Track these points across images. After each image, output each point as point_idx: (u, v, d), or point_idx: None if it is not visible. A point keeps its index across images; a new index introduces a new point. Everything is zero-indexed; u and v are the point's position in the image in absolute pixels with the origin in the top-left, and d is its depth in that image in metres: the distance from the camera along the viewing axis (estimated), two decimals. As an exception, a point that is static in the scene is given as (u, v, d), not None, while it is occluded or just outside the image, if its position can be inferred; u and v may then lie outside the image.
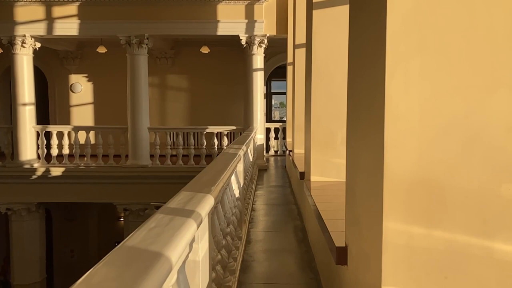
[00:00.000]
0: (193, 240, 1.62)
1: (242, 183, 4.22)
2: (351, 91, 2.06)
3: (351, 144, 2.08)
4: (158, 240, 1.22)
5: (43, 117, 11.48)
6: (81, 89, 11.89)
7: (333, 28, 4.07)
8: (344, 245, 2.12)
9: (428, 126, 1.46)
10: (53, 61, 11.72)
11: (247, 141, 5.01)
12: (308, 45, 4.43)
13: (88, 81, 11.88)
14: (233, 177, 3.73)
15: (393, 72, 1.46)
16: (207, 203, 1.77)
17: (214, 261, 2.21)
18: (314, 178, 3.97)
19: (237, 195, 3.74)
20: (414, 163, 1.47)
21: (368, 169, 1.72)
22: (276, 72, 12.54)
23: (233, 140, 9.59)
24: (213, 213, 2.23)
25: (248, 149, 5.99)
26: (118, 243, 1.44)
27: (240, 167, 4.14)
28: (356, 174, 1.95)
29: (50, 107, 11.95)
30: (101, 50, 10.35)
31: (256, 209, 5.60)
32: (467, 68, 1.41)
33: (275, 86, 13.76)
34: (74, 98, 11.91)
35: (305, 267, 3.47)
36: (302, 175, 4.54)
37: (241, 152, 3.87)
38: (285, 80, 9.89)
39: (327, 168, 3.96)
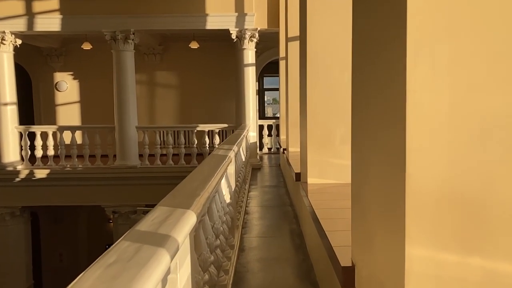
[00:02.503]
0: (168, 272, 1.31)
1: (234, 186, 3.90)
2: (357, 83, 1.76)
3: (358, 147, 1.77)
4: (113, 286, 0.91)
5: (28, 117, 11.08)
6: (67, 87, 11.48)
7: (330, 17, 3.77)
8: (350, 265, 1.82)
9: (462, 127, 1.16)
10: (37, 58, 11.28)
11: (238, 140, 4.69)
12: (302, 37, 4.12)
13: (74, 79, 11.47)
14: (223, 181, 3.42)
15: (415, 60, 1.15)
16: (187, 223, 1.46)
17: (200, 285, 1.90)
18: (311, 180, 3.67)
19: (228, 200, 3.42)
20: (443, 172, 1.17)
21: (382, 178, 1.42)
22: (268, 68, 12.22)
23: (225, 138, 9.27)
24: (197, 229, 1.92)
25: (241, 149, 5.67)
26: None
27: (231, 169, 3.82)
28: (365, 183, 1.65)
29: (34, 107, 11.52)
30: (86, 46, 9.95)
31: (250, 212, 5.31)
32: (513, 52, 1.11)
33: (268, 82, 13.45)
34: (60, 97, 11.49)
35: (303, 279, 3.18)
36: (298, 176, 4.24)
37: (231, 154, 3.55)
38: (278, 76, 9.59)
39: (325, 169, 3.67)
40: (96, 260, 1.11)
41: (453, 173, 1.17)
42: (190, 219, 1.50)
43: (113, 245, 1.22)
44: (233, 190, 3.84)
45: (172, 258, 1.18)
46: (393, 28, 1.24)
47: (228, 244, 3.31)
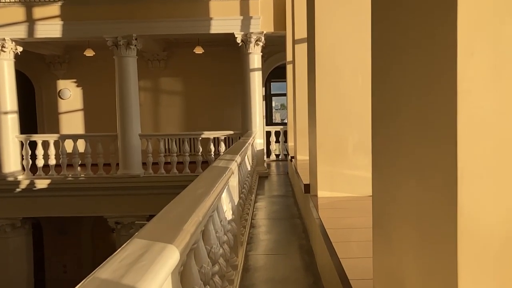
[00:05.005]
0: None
1: (237, 200, 3.58)
2: (380, 83, 1.42)
3: (381, 161, 1.44)
4: None
5: (31, 125, 10.89)
6: (70, 95, 11.28)
7: (339, 15, 3.45)
8: (373, 307, 1.48)
9: (539, 140, 0.82)
10: (40, 66, 11.11)
11: (242, 149, 4.38)
12: (310, 38, 3.81)
13: (77, 86, 11.26)
14: (224, 195, 3.10)
15: (470, 47, 0.82)
16: (165, 264, 1.14)
17: (190, 330, 1.58)
18: (321, 193, 3.34)
19: (230, 217, 3.10)
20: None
21: (418, 205, 1.08)
22: (276, 73, 11.92)
23: (231, 145, 8.97)
24: (186, 262, 1.60)
25: (246, 157, 5.35)
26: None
27: (234, 182, 3.50)
28: (392, 207, 1.32)
29: (38, 115, 11.33)
30: (89, 53, 9.74)
31: (256, 225, 4.97)
32: None
33: (275, 87, 13.14)
34: (63, 105, 11.29)
35: (314, 305, 2.83)
36: (307, 188, 3.91)
37: (233, 165, 3.23)
38: (285, 81, 9.28)
39: (337, 181, 3.33)
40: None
41: (526, 206, 0.83)
42: (170, 258, 1.18)
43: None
44: (236, 204, 3.51)
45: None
46: (435, 6, 0.91)
47: (230, 265, 2.98)
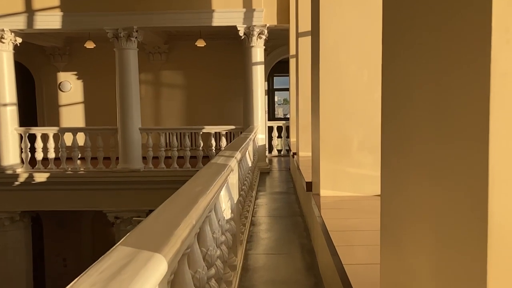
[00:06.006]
0: None
1: (236, 198, 3.46)
2: (392, 68, 1.29)
3: (391, 162, 1.31)
4: None
5: (31, 118, 10.80)
6: (71, 87, 11.16)
7: (345, 7, 3.31)
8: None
9: None
10: (40, 58, 10.99)
11: (243, 145, 4.25)
12: (314, 31, 3.68)
13: (78, 79, 11.14)
14: (223, 192, 2.98)
15: (506, 31, 0.69)
16: (150, 277, 1.02)
17: None
18: (324, 192, 3.21)
19: (228, 216, 2.98)
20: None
21: (436, 211, 0.96)
22: (278, 67, 11.76)
23: (233, 140, 8.85)
24: (177, 269, 1.48)
25: (247, 153, 5.23)
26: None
27: (233, 179, 3.38)
28: (405, 214, 1.19)
29: (38, 108, 11.23)
30: (89, 45, 9.60)
31: (257, 223, 4.86)
32: None
33: (278, 82, 13.00)
34: (63, 98, 11.18)
35: (315, 309, 2.72)
36: (309, 186, 3.79)
37: (233, 162, 3.11)
38: (288, 75, 9.14)
39: (341, 180, 3.21)
40: None
41: None
42: (156, 270, 1.06)
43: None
44: (235, 202, 3.40)
45: None
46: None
47: (228, 265, 2.87)
